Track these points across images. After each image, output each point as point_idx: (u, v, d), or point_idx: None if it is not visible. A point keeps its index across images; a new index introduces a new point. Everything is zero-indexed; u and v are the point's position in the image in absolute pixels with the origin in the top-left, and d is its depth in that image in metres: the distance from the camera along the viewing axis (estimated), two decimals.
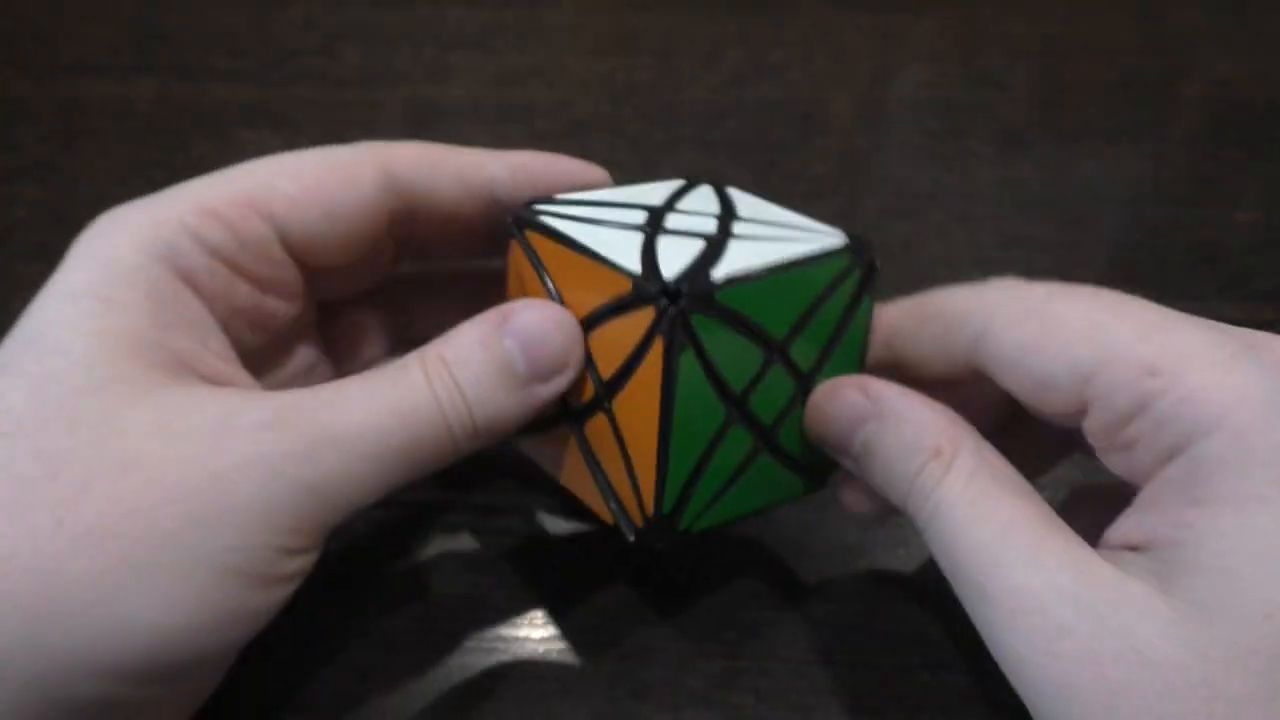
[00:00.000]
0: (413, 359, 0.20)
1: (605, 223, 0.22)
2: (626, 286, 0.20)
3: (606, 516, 0.24)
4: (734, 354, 0.21)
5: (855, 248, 0.22)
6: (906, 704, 0.24)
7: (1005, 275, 0.38)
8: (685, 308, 0.19)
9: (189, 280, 0.21)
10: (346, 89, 0.45)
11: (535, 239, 0.22)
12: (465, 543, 0.27)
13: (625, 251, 0.21)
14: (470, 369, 0.20)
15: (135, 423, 0.18)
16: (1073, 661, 0.17)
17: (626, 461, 0.22)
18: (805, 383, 0.23)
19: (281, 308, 0.23)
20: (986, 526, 0.19)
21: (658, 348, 0.20)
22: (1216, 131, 0.43)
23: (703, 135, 0.43)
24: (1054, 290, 0.21)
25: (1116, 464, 0.19)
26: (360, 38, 0.48)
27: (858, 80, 0.46)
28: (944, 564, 0.20)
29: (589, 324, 0.21)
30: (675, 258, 0.20)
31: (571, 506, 0.28)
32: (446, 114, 0.43)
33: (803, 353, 0.22)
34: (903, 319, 0.23)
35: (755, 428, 0.23)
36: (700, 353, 0.20)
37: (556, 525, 0.28)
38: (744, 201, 0.24)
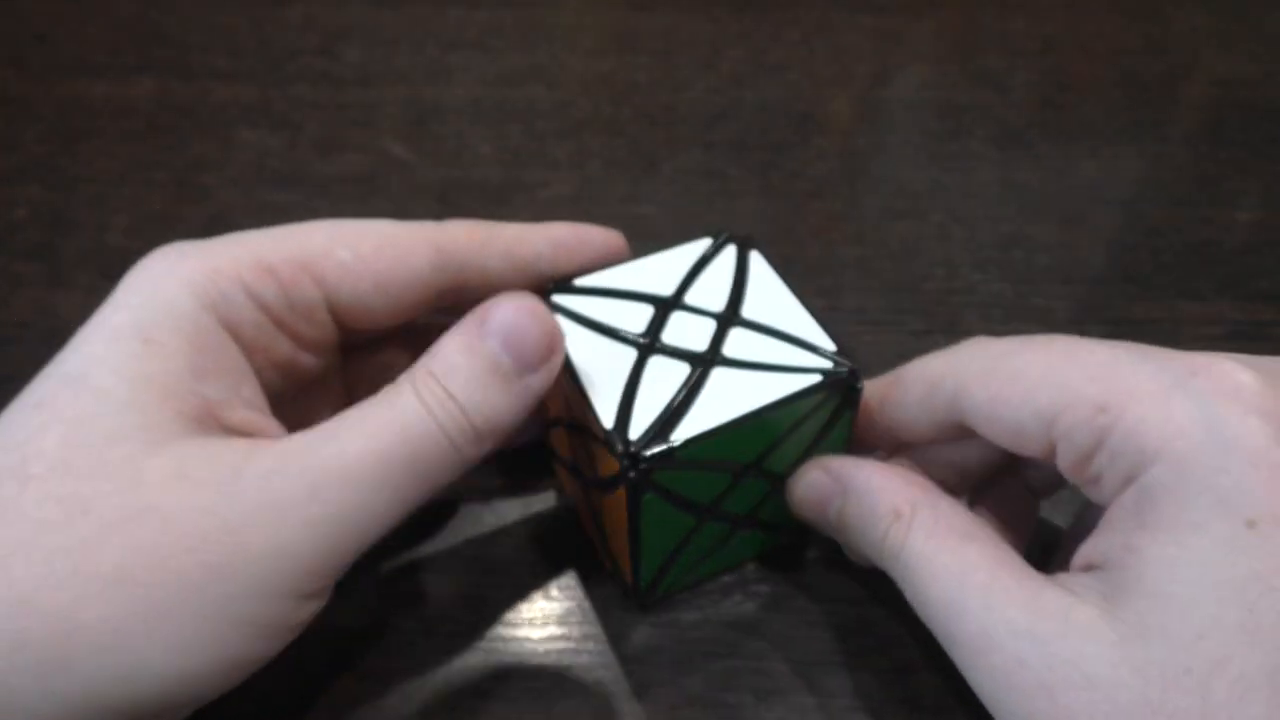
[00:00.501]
0: (403, 380, 0.21)
1: (608, 330, 0.23)
2: (602, 433, 0.21)
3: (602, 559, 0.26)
4: (701, 482, 0.22)
5: (834, 383, 0.22)
6: (906, 704, 0.24)
7: (1005, 276, 0.37)
8: (647, 468, 0.21)
9: (233, 331, 0.21)
10: (346, 89, 0.45)
11: None
12: (465, 543, 0.27)
13: (610, 384, 0.22)
14: (459, 375, 0.20)
15: (154, 472, 0.19)
16: (1031, 693, 0.19)
17: (615, 540, 0.24)
18: (782, 480, 0.24)
19: (314, 362, 0.24)
20: (945, 578, 0.20)
21: (623, 492, 0.21)
22: (1216, 131, 0.43)
23: (703, 135, 0.43)
24: (1015, 344, 0.22)
25: (1093, 495, 0.20)
26: (360, 38, 0.48)
27: (858, 80, 0.46)
28: (919, 614, 0.21)
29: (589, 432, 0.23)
30: (651, 401, 0.22)
31: (573, 510, 0.28)
32: (446, 114, 0.43)
33: (779, 461, 0.24)
34: (890, 388, 0.24)
35: (730, 519, 0.24)
36: (664, 492, 0.22)
37: (556, 526, 0.28)
38: (756, 284, 0.25)
